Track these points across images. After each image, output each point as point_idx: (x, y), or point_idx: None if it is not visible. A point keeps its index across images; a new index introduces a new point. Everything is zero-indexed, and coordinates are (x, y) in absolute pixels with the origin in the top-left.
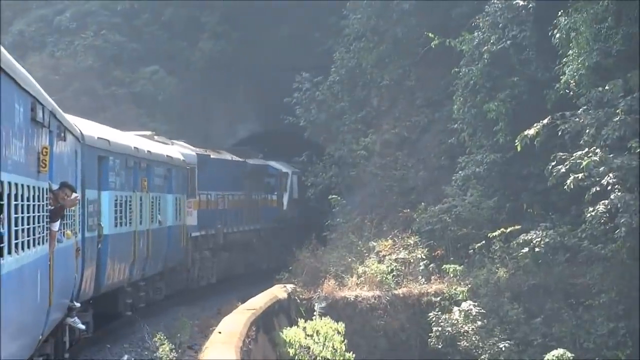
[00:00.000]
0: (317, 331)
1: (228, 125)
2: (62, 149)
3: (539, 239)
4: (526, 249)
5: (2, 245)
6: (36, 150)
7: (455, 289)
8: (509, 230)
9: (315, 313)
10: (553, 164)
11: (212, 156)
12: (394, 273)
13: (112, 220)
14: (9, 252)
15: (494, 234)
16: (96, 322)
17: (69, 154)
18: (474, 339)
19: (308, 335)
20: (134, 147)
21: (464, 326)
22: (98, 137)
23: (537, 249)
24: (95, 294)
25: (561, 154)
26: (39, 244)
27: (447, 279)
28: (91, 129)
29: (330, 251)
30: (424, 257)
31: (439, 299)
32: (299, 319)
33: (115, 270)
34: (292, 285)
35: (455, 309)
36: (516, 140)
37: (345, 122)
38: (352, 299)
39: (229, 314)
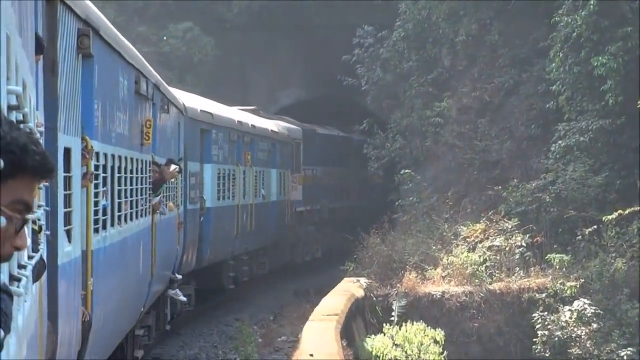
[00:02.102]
0: (409, 339)
1: (269, 92)
2: (165, 121)
3: None
4: None
5: (105, 217)
6: (140, 122)
7: (561, 284)
8: (627, 211)
9: (393, 313)
10: None
11: (318, 131)
12: (487, 264)
13: (215, 193)
14: (112, 225)
15: (610, 217)
16: (200, 295)
17: (172, 126)
18: (587, 345)
19: (396, 345)
20: (237, 121)
21: (575, 329)
22: (201, 110)
23: None
24: (197, 267)
25: None
26: (141, 216)
27: (551, 272)
28: (194, 101)
29: (403, 237)
30: (524, 244)
31: (543, 295)
32: (377, 322)
33: (218, 243)
34: (365, 280)
35: (566, 308)
36: (639, 102)
37: (413, 85)
38: (438, 296)
39: (308, 322)
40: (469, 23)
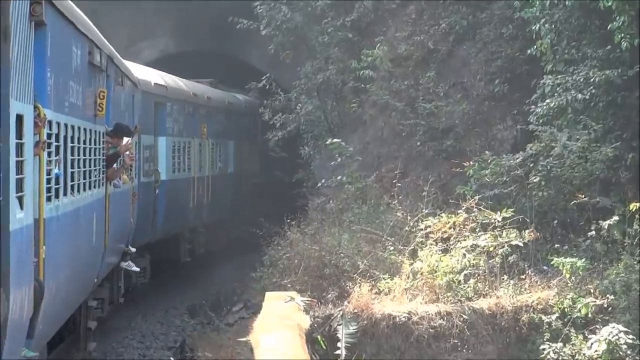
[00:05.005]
0: None
1: (127, 44)
2: (119, 93)
3: None
4: None
5: (58, 186)
6: (93, 93)
7: (571, 300)
8: None
9: (339, 344)
10: None
11: None
12: (467, 272)
13: (170, 166)
14: (65, 194)
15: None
16: (155, 268)
17: (126, 99)
18: None
19: None
20: (193, 94)
21: None
22: (155, 83)
23: None
24: (151, 240)
25: None
26: (95, 187)
27: (557, 281)
28: (148, 74)
29: (332, 230)
30: (520, 243)
31: (553, 317)
32: (319, 357)
33: (173, 216)
34: (301, 297)
35: (592, 337)
36: None
37: (327, 30)
38: (403, 319)
39: None
40: None
